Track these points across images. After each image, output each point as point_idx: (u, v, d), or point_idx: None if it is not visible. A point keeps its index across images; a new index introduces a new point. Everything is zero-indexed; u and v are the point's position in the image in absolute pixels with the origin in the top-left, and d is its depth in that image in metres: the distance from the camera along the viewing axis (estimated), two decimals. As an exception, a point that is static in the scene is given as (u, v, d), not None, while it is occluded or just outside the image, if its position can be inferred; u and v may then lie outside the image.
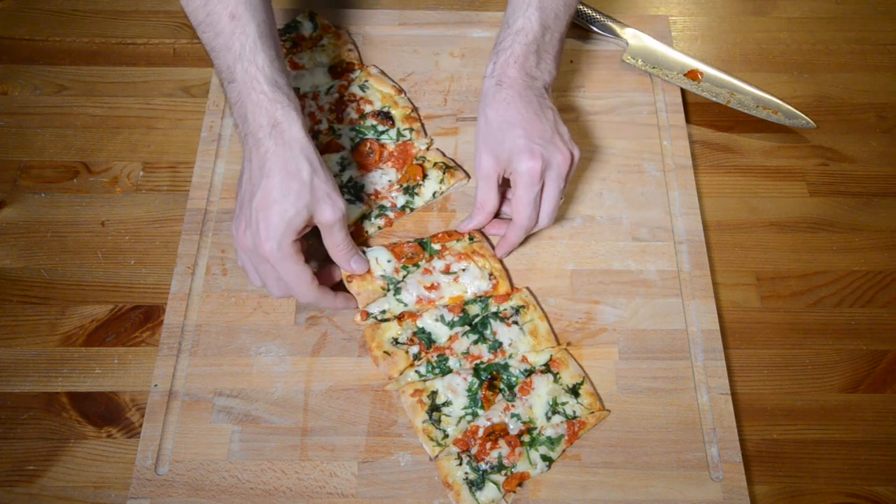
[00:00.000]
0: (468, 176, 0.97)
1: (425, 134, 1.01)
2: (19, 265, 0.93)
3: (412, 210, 0.95)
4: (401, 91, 1.03)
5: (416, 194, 0.95)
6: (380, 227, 0.93)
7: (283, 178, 0.77)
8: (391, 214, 0.94)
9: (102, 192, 0.99)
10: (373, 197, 0.95)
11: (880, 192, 1.01)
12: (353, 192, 0.94)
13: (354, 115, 1.00)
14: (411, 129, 1.00)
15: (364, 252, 0.89)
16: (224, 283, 0.90)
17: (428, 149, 0.98)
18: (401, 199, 0.95)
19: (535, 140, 0.82)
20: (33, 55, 1.10)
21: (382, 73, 1.05)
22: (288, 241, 0.78)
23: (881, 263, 0.96)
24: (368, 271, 0.88)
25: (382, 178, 0.96)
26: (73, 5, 1.16)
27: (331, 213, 0.80)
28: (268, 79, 0.79)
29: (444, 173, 0.96)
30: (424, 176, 0.95)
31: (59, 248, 0.94)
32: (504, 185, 0.89)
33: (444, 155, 0.98)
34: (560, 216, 0.95)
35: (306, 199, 0.78)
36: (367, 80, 1.02)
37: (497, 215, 0.91)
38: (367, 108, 1.00)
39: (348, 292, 0.88)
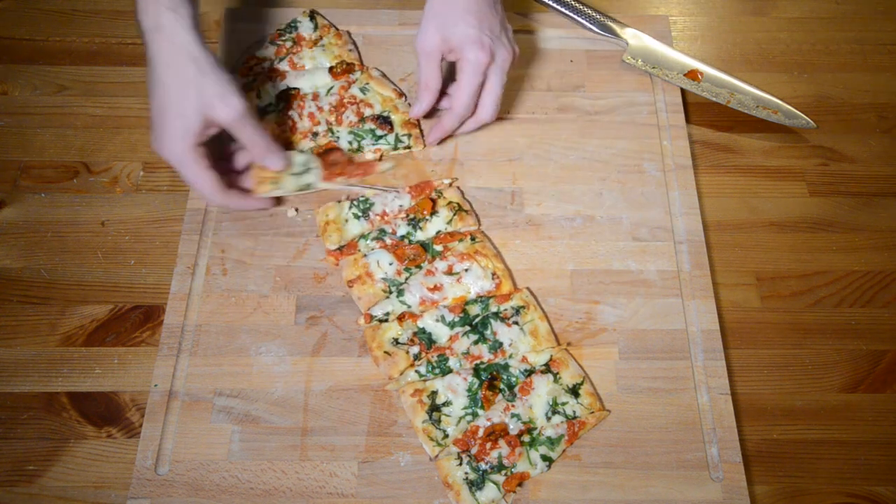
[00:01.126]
0: (479, 222, 0.94)
1: (423, 140, 1.00)
2: (19, 265, 0.93)
3: (410, 242, 0.91)
4: (401, 94, 1.03)
5: (420, 228, 0.92)
6: (373, 249, 0.91)
7: (172, 83, 0.77)
8: (388, 241, 0.91)
9: (102, 192, 0.99)
10: (379, 217, 0.93)
11: (880, 192, 1.01)
12: (361, 209, 0.93)
13: (354, 119, 0.99)
14: (409, 135, 0.99)
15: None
16: (224, 283, 0.90)
17: (450, 185, 0.96)
18: (403, 229, 0.92)
19: (485, 32, 0.86)
20: (33, 55, 1.10)
21: (384, 75, 1.05)
22: (186, 145, 0.79)
23: (881, 263, 0.96)
24: (354, 248, 0.88)
25: (394, 202, 0.94)
26: (73, 5, 1.16)
27: (225, 112, 0.79)
28: None
29: (454, 214, 0.92)
30: (434, 212, 0.93)
31: (59, 248, 0.94)
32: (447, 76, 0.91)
33: (462, 196, 0.95)
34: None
35: (195, 102, 0.78)
36: (367, 83, 1.02)
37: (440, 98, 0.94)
38: (367, 112, 1.00)
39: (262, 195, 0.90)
